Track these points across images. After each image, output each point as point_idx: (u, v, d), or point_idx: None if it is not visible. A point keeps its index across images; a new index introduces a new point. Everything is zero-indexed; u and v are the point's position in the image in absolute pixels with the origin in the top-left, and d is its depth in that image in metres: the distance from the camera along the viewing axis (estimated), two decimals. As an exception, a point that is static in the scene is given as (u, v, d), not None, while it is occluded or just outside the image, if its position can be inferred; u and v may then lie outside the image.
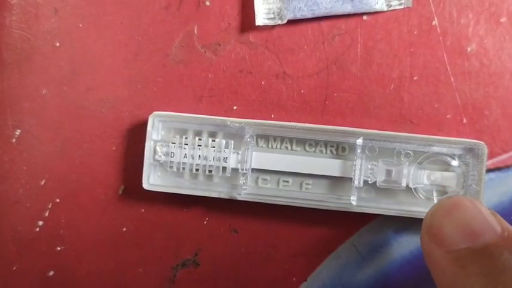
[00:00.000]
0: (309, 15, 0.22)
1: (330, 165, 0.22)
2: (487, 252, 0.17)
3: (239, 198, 0.22)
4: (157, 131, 0.22)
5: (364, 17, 0.23)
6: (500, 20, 0.22)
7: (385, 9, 0.22)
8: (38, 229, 0.24)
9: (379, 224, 0.23)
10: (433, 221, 0.18)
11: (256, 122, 0.22)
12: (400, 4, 0.22)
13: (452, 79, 0.22)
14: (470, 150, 0.21)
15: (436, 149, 0.21)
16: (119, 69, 0.23)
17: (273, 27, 0.23)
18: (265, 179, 0.22)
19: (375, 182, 0.21)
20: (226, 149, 0.22)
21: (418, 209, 0.21)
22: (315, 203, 0.22)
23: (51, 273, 0.24)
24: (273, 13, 0.22)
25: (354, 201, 0.21)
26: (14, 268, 0.24)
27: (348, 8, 0.22)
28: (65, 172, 0.24)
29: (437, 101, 0.22)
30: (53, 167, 0.24)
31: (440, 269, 0.18)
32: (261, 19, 0.22)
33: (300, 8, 0.22)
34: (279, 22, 0.22)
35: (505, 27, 0.22)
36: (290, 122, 0.22)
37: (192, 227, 0.23)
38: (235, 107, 0.23)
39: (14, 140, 0.24)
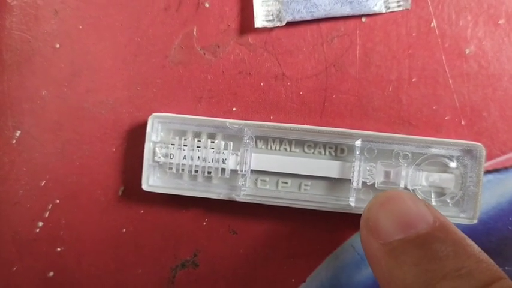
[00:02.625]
0: (308, 17, 0.22)
1: (328, 167, 0.22)
2: (418, 242, 0.17)
3: (238, 199, 0.22)
4: (157, 132, 0.22)
5: (363, 19, 0.23)
6: (499, 22, 0.22)
7: (384, 11, 0.22)
8: (38, 230, 0.24)
9: (378, 225, 0.23)
10: (369, 215, 0.19)
11: (255, 123, 0.22)
12: (399, 6, 0.22)
13: (450, 81, 0.22)
14: (469, 151, 0.21)
15: (434, 150, 0.22)
16: (119, 71, 0.23)
17: (272, 29, 0.23)
18: (264, 180, 0.22)
19: (373, 184, 0.22)
20: (225, 151, 0.22)
21: (417, 210, 0.21)
22: (313, 204, 0.22)
23: (51, 274, 0.24)
24: (272, 15, 0.23)
25: (352, 203, 0.22)
26: (14, 269, 0.24)
27: (346, 10, 0.22)
28: (65, 173, 0.24)
29: (436, 103, 0.22)
30: (53, 168, 0.24)
31: (376, 262, 0.18)
32: (260, 21, 0.23)
33: (298, 10, 0.22)
34: (278, 24, 0.22)
35: (504, 29, 0.22)
36: (289, 123, 0.22)
37: (191, 228, 0.23)
38: (234, 109, 0.23)
39: (14, 141, 0.24)
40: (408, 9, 0.22)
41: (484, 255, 0.17)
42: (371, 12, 0.22)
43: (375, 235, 0.18)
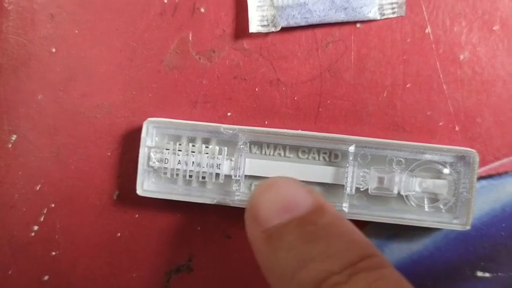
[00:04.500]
0: (303, 23, 0.22)
1: (322, 172, 0.22)
2: (291, 226, 0.17)
3: (232, 204, 0.22)
4: (152, 137, 0.23)
5: (358, 25, 0.23)
6: (493, 28, 0.22)
7: (378, 17, 0.22)
8: (33, 234, 0.24)
9: (371, 231, 0.23)
10: (252, 203, 0.18)
11: (250, 128, 0.22)
12: (394, 13, 0.22)
13: (444, 87, 0.22)
14: (462, 158, 0.21)
15: (428, 156, 0.22)
16: (114, 75, 0.23)
17: (267, 34, 0.23)
18: (258, 186, 0.23)
19: (366, 189, 0.22)
20: (219, 156, 0.22)
21: (410, 216, 0.21)
22: (307, 210, 0.22)
23: (46, 277, 0.24)
24: (267, 20, 0.23)
25: (345, 208, 0.22)
26: (10, 272, 0.24)
27: (341, 16, 0.22)
28: (60, 177, 0.24)
29: (430, 109, 0.22)
30: (49, 172, 0.24)
31: (257, 249, 0.18)
32: (254, 26, 0.23)
33: (293, 15, 0.22)
34: (273, 29, 0.22)
35: (498, 35, 0.22)
36: (283, 128, 0.22)
37: (186, 233, 0.23)
38: (229, 114, 0.23)
39: (10, 145, 0.24)
40: (403, 16, 0.22)
41: (360, 237, 0.17)
42: (365, 19, 0.22)
43: (256, 222, 0.18)
